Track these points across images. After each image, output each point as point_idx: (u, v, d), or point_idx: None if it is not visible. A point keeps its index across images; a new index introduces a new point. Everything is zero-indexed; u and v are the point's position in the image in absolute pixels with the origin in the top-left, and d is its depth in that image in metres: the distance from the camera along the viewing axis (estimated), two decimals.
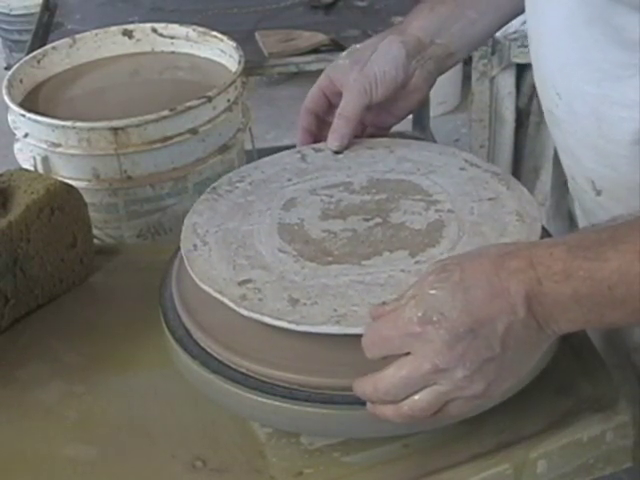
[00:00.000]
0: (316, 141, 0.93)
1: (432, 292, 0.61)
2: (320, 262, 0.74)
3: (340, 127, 0.89)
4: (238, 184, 0.86)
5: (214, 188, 0.86)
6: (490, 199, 0.80)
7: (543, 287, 0.60)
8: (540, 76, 0.83)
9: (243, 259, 0.75)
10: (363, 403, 0.67)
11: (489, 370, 0.62)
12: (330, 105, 0.93)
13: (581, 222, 0.93)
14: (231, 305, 0.70)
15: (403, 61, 0.90)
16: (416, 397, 0.63)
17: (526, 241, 0.72)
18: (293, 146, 0.94)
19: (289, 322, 0.68)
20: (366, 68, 0.89)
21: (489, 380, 0.62)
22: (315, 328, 0.68)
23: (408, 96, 0.94)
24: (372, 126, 0.95)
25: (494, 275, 0.61)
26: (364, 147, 0.90)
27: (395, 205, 0.80)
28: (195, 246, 0.77)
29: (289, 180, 0.86)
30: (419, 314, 0.61)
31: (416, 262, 0.73)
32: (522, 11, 0.93)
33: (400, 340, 0.62)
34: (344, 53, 0.94)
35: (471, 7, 0.94)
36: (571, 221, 1.01)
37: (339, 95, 0.91)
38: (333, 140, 0.89)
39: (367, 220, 0.79)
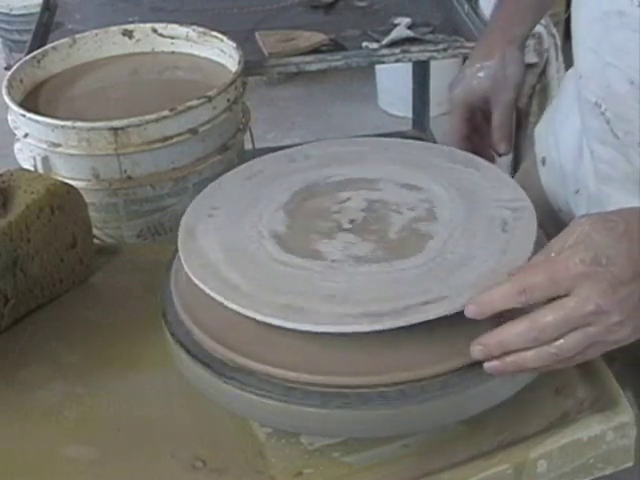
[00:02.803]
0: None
1: (598, 237, 0.65)
2: (319, 261, 0.74)
3: (504, 136, 0.99)
4: (232, 185, 0.86)
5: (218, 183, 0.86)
6: (487, 198, 0.80)
7: None
8: None
9: (242, 258, 0.75)
10: (362, 403, 0.67)
11: (638, 317, 0.65)
12: (474, 125, 1.01)
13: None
14: (231, 305, 0.70)
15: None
16: (567, 337, 0.65)
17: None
18: (293, 146, 0.94)
19: (287, 320, 0.68)
20: (508, 83, 0.99)
21: (635, 327, 0.65)
22: (316, 327, 0.68)
23: None
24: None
25: None
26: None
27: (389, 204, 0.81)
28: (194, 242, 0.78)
29: (287, 175, 0.86)
30: (590, 256, 0.64)
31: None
32: None
33: (569, 281, 0.64)
34: (467, 72, 1.01)
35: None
36: None
37: (481, 112, 1.00)
38: (505, 147, 0.99)
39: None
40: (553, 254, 0.66)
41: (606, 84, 0.80)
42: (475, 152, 0.91)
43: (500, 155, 1.00)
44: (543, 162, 1.03)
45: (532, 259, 0.68)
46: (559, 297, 0.65)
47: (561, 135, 0.99)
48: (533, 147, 1.07)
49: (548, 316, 0.65)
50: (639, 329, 0.66)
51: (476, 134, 1.01)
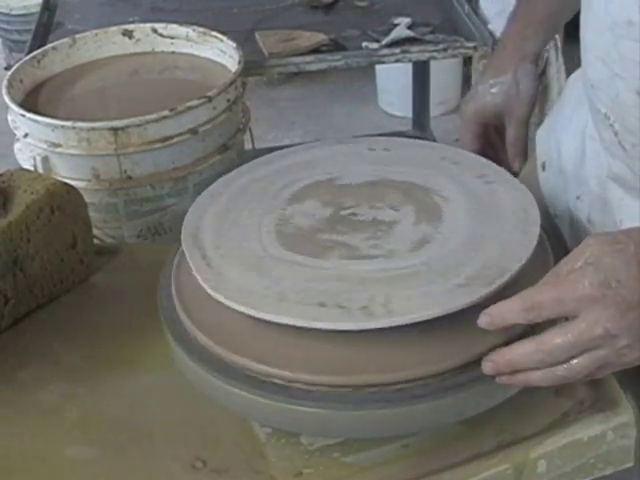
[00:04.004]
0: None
1: (608, 260, 0.64)
2: (319, 259, 0.74)
3: (519, 152, 0.99)
4: (234, 185, 0.86)
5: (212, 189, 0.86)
6: (491, 200, 0.80)
7: None
8: None
9: (243, 256, 0.75)
10: (362, 403, 0.67)
11: None
12: (488, 142, 1.01)
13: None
14: (229, 303, 0.71)
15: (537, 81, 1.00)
16: (575, 361, 0.65)
17: None
18: (292, 146, 0.94)
19: (285, 317, 0.68)
20: (522, 99, 0.98)
21: None
22: (316, 325, 0.68)
23: None
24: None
25: None
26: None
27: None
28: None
29: (291, 179, 0.86)
30: (600, 279, 0.63)
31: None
32: None
33: (576, 303, 0.64)
34: (479, 88, 1.01)
35: (561, 17, 1.02)
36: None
37: (494, 128, 1.00)
38: (519, 164, 0.99)
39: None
40: (563, 275, 0.66)
41: (614, 94, 0.80)
42: None
43: (514, 172, 0.99)
44: (543, 167, 1.02)
45: (543, 279, 0.68)
46: (567, 319, 0.65)
47: (563, 139, 0.98)
48: (534, 152, 1.06)
49: (556, 339, 0.64)
50: None
51: (490, 150, 1.01)
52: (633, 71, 0.77)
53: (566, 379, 0.66)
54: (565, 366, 0.65)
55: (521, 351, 0.66)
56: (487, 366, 0.67)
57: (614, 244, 0.65)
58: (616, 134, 0.82)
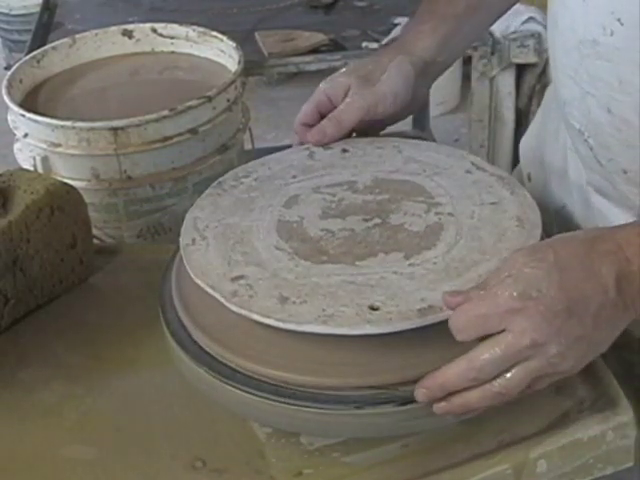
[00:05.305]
0: None
1: (528, 270, 0.63)
2: (314, 261, 0.74)
3: (326, 126, 0.89)
4: (243, 179, 0.86)
5: (219, 183, 0.86)
6: (492, 203, 0.80)
7: (632, 265, 0.64)
8: (592, 4, 0.78)
9: (239, 255, 0.75)
10: (362, 403, 0.67)
11: (580, 348, 0.64)
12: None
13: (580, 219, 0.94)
14: (222, 301, 0.70)
15: (412, 82, 0.92)
16: (508, 375, 0.64)
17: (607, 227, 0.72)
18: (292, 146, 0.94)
19: (276, 320, 0.68)
20: (377, 87, 0.90)
21: (578, 357, 0.65)
22: (301, 327, 0.68)
23: (405, 111, 0.95)
24: (358, 132, 0.94)
25: (586, 257, 0.64)
26: (373, 146, 0.90)
27: (396, 206, 0.80)
28: (193, 240, 0.77)
29: (294, 177, 0.86)
30: (519, 290, 0.63)
31: (410, 264, 0.73)
32: (508, 9, 0.95)
33: (499, 317, 0.63)
34: (342, 70, 0.94)
35: (467, 22, 0.96)
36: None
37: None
38: (314, 134, 0.89)
39: (366, 220, 0.79)
40: (494, 281, 0.65)
41: (587, 112, 0.79)
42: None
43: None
44: (529, 178, 1.01)
45: (469, 293, 0.66)
46: (496, 333, 0.64)
47: (547, 149, 0.97)
48: (519, 164, 1.05)
49: (485, 354, 0.64)
50: (583, 359, 0.66)
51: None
52: (603, 89, 0.76)
53: (504, 395, 0.65)
54: (499, 381, 0.64)
55: (452, 371, 0.65)
56: (420, 393, 0.66)
57: (533, 254, 0.65)
58: (591, 149, 0.81)
